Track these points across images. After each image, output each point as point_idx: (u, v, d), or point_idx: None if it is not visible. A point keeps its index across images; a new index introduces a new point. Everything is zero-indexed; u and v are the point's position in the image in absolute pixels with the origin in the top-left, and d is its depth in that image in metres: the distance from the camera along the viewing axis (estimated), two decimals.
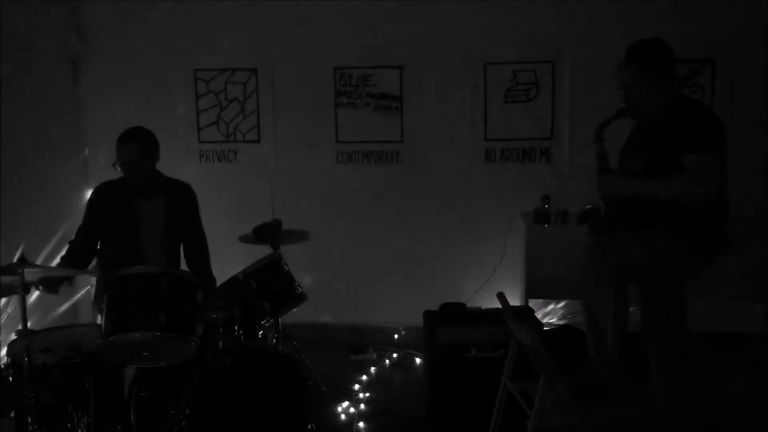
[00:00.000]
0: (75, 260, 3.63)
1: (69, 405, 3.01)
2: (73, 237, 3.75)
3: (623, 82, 3.21)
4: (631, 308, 3.19)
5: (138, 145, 3.55)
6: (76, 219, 3.88)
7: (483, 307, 3.98)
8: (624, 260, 3.10)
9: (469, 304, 4.06)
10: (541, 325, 4.12)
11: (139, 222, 3.65)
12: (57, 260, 4.05)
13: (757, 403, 3.78)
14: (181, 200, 3.79)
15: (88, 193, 3.92)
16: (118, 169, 3.57)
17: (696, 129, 3.01)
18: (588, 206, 4.39)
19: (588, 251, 3.27)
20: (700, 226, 3.08)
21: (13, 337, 3.07)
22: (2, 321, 3.93)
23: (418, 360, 4.54)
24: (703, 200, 3.01)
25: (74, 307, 4.80)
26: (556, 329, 4.26)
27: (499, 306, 3.09)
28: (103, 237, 3.69)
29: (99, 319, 3.30)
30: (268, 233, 4.05)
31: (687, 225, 3.06)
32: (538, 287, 4.71)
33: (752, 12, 4.57)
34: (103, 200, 3.69)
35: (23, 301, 2.82)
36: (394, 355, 4.65)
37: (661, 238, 3.10)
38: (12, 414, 3.02)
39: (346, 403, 3.88)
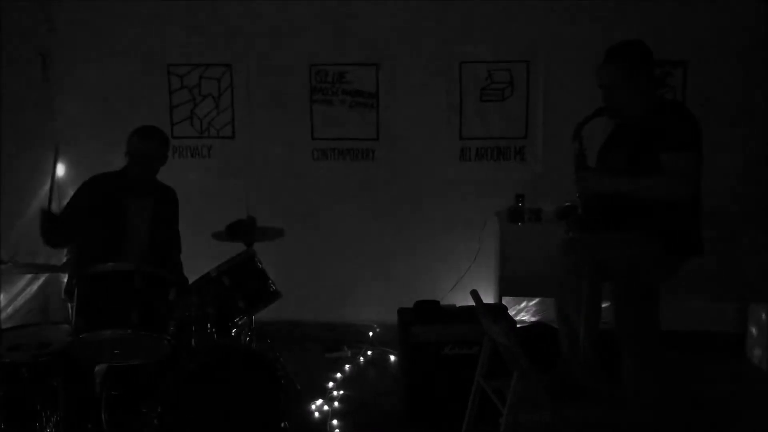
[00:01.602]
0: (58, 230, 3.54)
1: (38, 403, 2.96)
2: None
3: (604, 82, 3.24)
4: (603, 305, 3.22)
5: (161, 144, 3.67)
6: None
7: (457, 305, 4.00)
8: (598, 259, 3.13)
9: (444, 302, 4.07)
10: (515, 323, 4.14)
11: (126, 220, 3.65)
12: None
13: (727, 401, 3.84)
14: (168, 203, 3.86)
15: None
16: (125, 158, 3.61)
17: (674, 128, 3.05)
18: (567, 203, 4.42)
19: (562, 249, 3.29)
20: (674, 226, 3.12)
21: None
22: None
23: (392, 357, 4.54)
24: (680, 199, 3.06)
25: (45, 304, 4.73)
26: (529, 326, 4.29)
27: (473, 304, 3.09)
28: (84, 229, 3.63)
29: (69, 314, 3.25)
30: (242, 230, 4.02)
31: (661, 225, 3.10)
32: (511, 285, 4.74)
33: (723, 14, 4.63)
34: (93, 192, 3.66)
35: None
36: (369, 353, 4.65)
37: (635, 238, 3.14)
38: None
39: (320, 401, 3.86)
